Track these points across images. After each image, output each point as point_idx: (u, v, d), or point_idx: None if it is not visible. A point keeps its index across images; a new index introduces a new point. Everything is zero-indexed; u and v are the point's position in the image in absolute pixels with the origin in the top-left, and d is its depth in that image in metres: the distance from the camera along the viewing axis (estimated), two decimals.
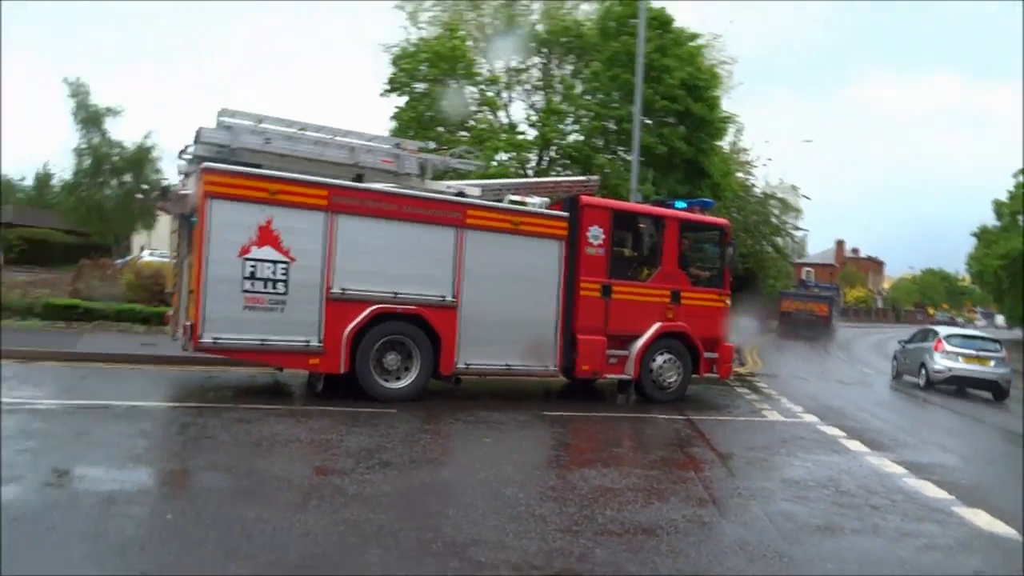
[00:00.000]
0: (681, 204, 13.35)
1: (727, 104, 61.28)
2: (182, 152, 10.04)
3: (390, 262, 9.98)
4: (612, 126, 29.69)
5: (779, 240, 51.73)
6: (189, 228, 9.51)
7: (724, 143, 41.17)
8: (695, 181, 27.95)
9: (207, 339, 8.99)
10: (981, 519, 6.76)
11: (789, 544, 5.59)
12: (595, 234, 11.61)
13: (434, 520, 5.51)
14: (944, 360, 18.83)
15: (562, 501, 6.23)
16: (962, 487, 7.96)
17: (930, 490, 7.68)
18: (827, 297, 45.69)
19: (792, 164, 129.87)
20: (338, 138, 10.40)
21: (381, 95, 28.24)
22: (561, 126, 28.92)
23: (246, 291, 9.13)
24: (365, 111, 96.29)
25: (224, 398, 9.60)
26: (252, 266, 9.17)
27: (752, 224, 43.31)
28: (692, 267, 12.86)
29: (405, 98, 27.62)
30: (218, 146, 9.56)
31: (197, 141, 9.54)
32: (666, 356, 12.25)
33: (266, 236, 9.26)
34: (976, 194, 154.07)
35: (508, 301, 10.80)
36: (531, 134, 27.19)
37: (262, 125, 9.86)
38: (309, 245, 9.49)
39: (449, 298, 10.40)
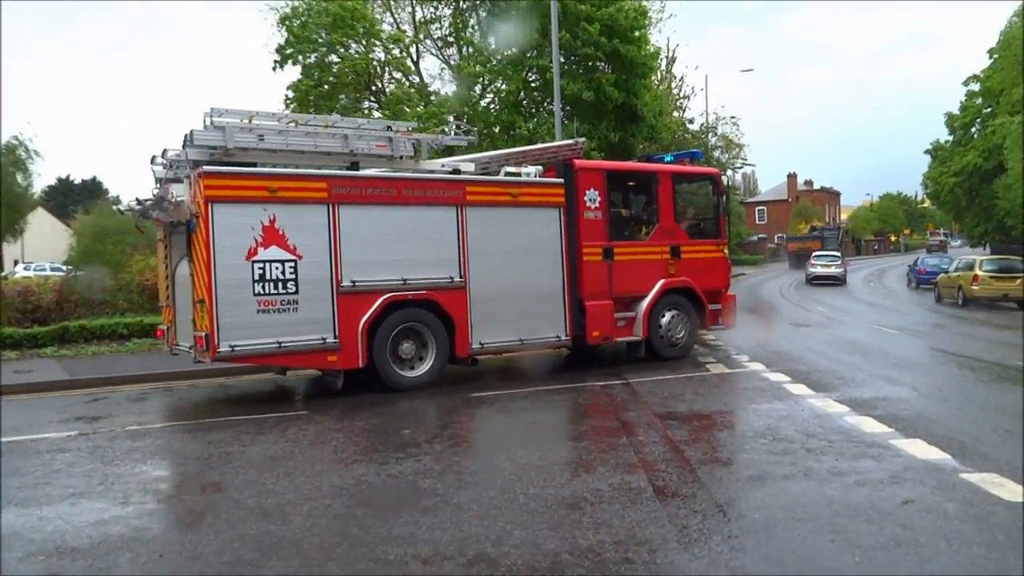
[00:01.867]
0: (669, 157, 14.18)
1: (658, 39, 61.79)
2: (156, 157, 10.50)
3: (395, 248, 10.60)
4: (533, 79, 29.79)
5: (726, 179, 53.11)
6: (187, 236, 9.92)
7: (656, 79, 42.10)
8: (628, 126, 28.33)
9: (224, 348, 9.53)
10: (917, 448, 7.24)
11: (718, 500, 5.91)
12: (591, 197, 12.41)
13: (340, 523, 5.66)
14: None
15: (482, 486, 6.44)
16: (903, 419, 8.47)
17: (870, 425, 8.17)
18: (823, 238, 59.39)
19: (734, 98, 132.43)
20: (329, 128, 10.99)
21: (274, 68, 27.80)
22: (474, 91, 28.96)
23: (257, 294, 9.69)
24: (258, 87, 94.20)
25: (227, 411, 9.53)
26: (261, 268, 9.71)
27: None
28: (688, 220, 13.90)
29: (299, 67, 27.24)
30: (211, 148, 9.99)
31: (190, 144, 9.94)
32: (673, 312, 13.20)
33: (271, 236, 9.81)
34: (931, 111, 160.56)
35: (515, 275, 11.55)
36: (448, 91, 27.23)
37: (254, 122, 10.38)
38: (315, 240, 10.06)
39: (457, 279, 11.08)
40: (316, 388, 11.44)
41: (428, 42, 30.91)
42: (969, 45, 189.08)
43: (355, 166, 10.95)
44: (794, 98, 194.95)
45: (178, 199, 9.79)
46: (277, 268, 9.81)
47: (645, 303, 12.89)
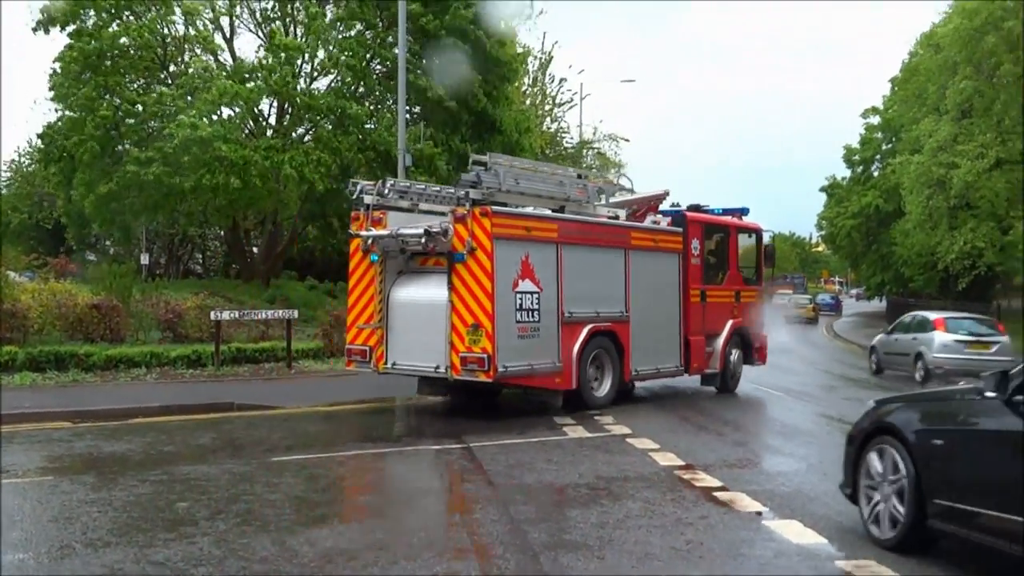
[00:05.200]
0: (719, 210, 18.86)
1: (528, 39, 63.02)
2: (373, 185, 13.94)
3: (591, 284, 14.54)
4: (378, 66, 29.58)
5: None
6: (450, 266, 13.32)
7: (525, 83, 42.86)
8: (485, 138, 28.57)
9: (500, 368, 12.83)
10: (792, 531, 7.55)
11: None
12: (695, 245, 17.15)
13: None
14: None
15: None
16: (779, 496, 8.85)
17: (742, 503, 8.46)
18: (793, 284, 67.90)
19: (617, 110, 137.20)
20: (554, 174, 15.67)
21: (36, 30, 26.50)
22: (303, 67, 28.37)
23: (518, 321, 13.28)
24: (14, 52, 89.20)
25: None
26: (520, 298, 13.34)
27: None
28: (744, 268, 18.84)
29: (69, 31, 26.04)
30: (487, 188, 13.88)
31: (476, 184, 13.83)
32: (737, 349, 17.98)
33: (526, 270, 13.53)
34: (831, 138, 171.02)
35: (653, 311, 15.83)
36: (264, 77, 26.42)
37: (513, 166, 14.71)
38: (549, 275, 13.84)
39: (625, 313, 15.22)
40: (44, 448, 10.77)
41: (246, 15, 30.26)
42: (877, 60, 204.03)
43: (561, 209, 15.02)
44: (684, 111, 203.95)
45: (441, 228, 13.22)
46: (529, 298, 13.44)
47: (721, 339, 17.41)
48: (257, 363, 19.00)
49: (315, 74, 28.97)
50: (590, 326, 14.33)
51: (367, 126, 27.95)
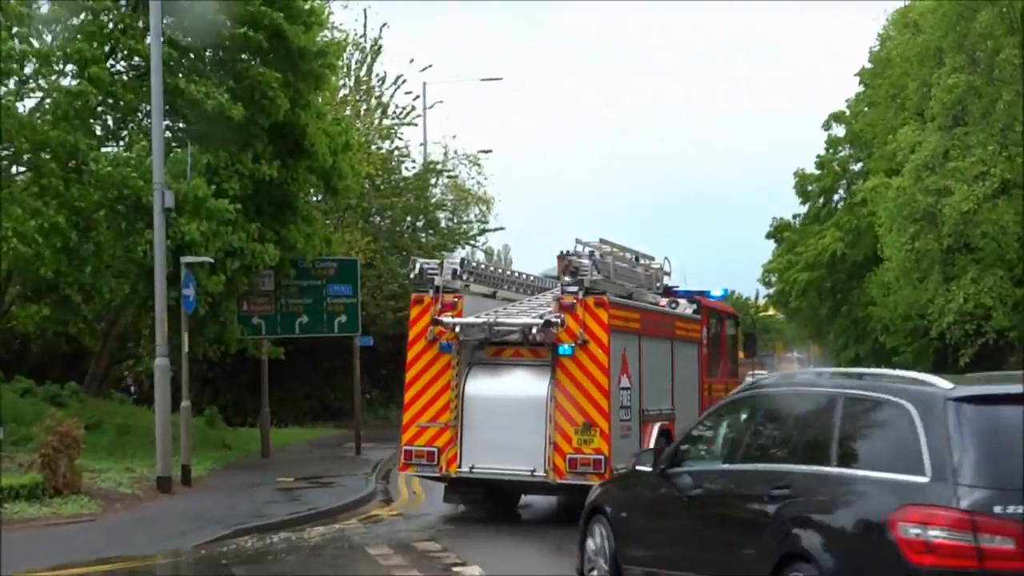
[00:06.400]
0: (683, 291, 23.48)
1: (344, 21, 62.42)
2: (444, 267, 17.71)
3: (656, 378, 18.34)
4: (122, 65, 28.82)
5: (454, 256, 54.18)
6: (554, 359, 16.57)
7: (344, 83, 42.59)
8: (290, 161, 28.26)
9: (614, 470, 15.39)
10: None
11: None
12: (704, 334, 22.07)
13: None
14: None
15: None
16: None
17: None
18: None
19: (479, 123, 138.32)
20: (635, 258, 19.89)
21: None
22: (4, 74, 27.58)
23: (621, 420, 16.76)
24: None
25: None
26: (621, 395, 16.86)
27: (401, 233, 44.82)
28: (730, 357, 24.67)
29: None
30: (598, 279, 17.07)
31: (593, 274, 16.99)
32: None
33: (624, 364, 17.16)
34: (778, 165, 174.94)
35: (685, 404, 19.68)
36: None
37: (610, 251, 18.74)
38: (634, 369, 17.45)
39: (673, 409, 19.14)
40: None
41: None
42: (840, 49, 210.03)
43: (630, 296, 18.58)
44: (572, 124, 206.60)
45: (556, 317, 16.52)
46: (626, 395, 17.04)
47: None
48: None
49: (29, 86, 27.80)
50: (659, 424, 18.20)
51: (108, 168, 26.44)
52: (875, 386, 8.76)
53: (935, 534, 7.28)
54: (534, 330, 16.26)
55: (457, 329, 16.84)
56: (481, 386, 16.93)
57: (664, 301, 20.81)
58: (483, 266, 18.56)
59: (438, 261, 17.83)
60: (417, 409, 17.08)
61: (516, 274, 18.96)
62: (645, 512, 10.80)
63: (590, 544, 11.28)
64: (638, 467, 10.97)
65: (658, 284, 20.70)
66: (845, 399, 8.85)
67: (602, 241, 18.97)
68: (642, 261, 19.93)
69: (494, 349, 17.10)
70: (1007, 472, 7.40)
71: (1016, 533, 7.17)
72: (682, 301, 21.66)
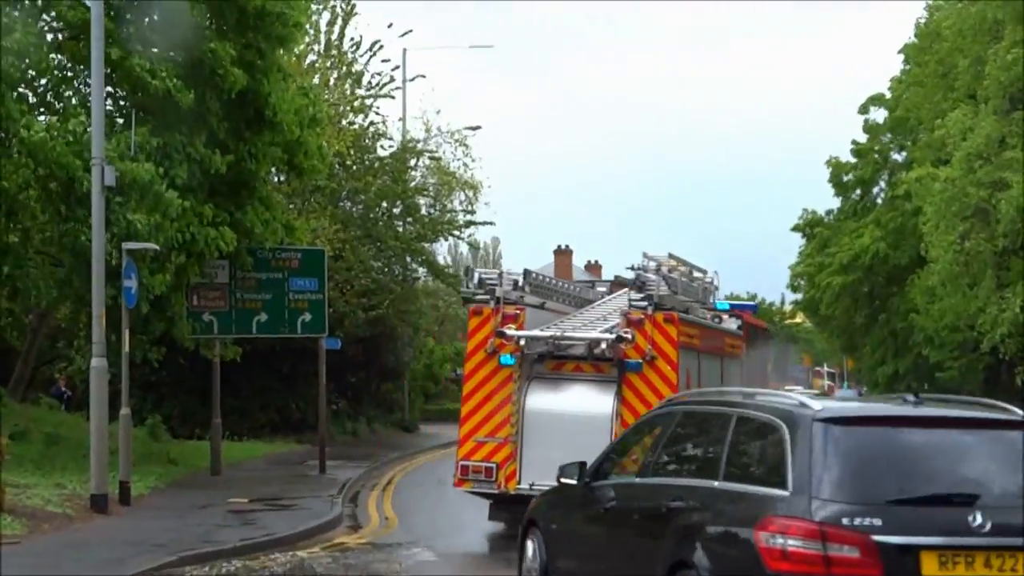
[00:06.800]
0: (726, 305, 25.47)
1: None
2: (505, 278, 19.71)
3: None
4: (57, 27, 28.62)
5: (438, 251, 53.75)
6: (621, 374, 18.38)
7: (313, 48, 42.38)
8: (250, 135, 27.98)
9: None
10: None
11: None
12: (745, 351, 24.89)
13: None
14: None
15: None
16: None
17: None
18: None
19: (466, 100, 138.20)
20: (693, 270, 22.76)
21: None
22: None
23: None
24: None
25: None
26: None
27: (376, 220, 44.40)
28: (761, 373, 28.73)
29: None
30: (666, 294, 19.12)
31: (641, 287, 18.98)
32: None
33: (688, 381, 19.04)
34: (809, 149, 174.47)
35: None
36: None
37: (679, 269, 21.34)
38: (694, 385, 18.94)
39: None
40: None
41: None
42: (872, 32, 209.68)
43: (687, 311, 20.32)
44: (573, 104, 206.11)
45: (625, 333, 18.20)
46: None
47: None
48: None
49: None
50: None
51: (41, 134, 26.26)
52: (762, 406, 10.43)
53: (790, 543, 8.83)
54: (603, 345, 17.99)
55: (522, 342, 18.45)
56: (543, 401, 18.48)
57: (709, 315, 22.86)
58: (542, 277, 20.71)
59: (497, 272, 19.74)
60: (475, 423, 18.62)
61: (564, 285, 21.23)
62: (571, 525, 12.71)
63: (527, 556, 13.30)
64: (562, 479, 12.77)
65: (710, 299, 23.16)
66: (737, 418, 10.52)
67: (670, 256, 21.51)
68: (696, 275, 22.26)
69: (554, 363, 18.77)
70: (859, 488, 9.07)
71: (861, 543, 8.73)
72: (724, 315, 24.00)
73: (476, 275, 19.46)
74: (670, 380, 17.85)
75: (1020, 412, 10.07)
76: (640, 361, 17.90)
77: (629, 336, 17.85)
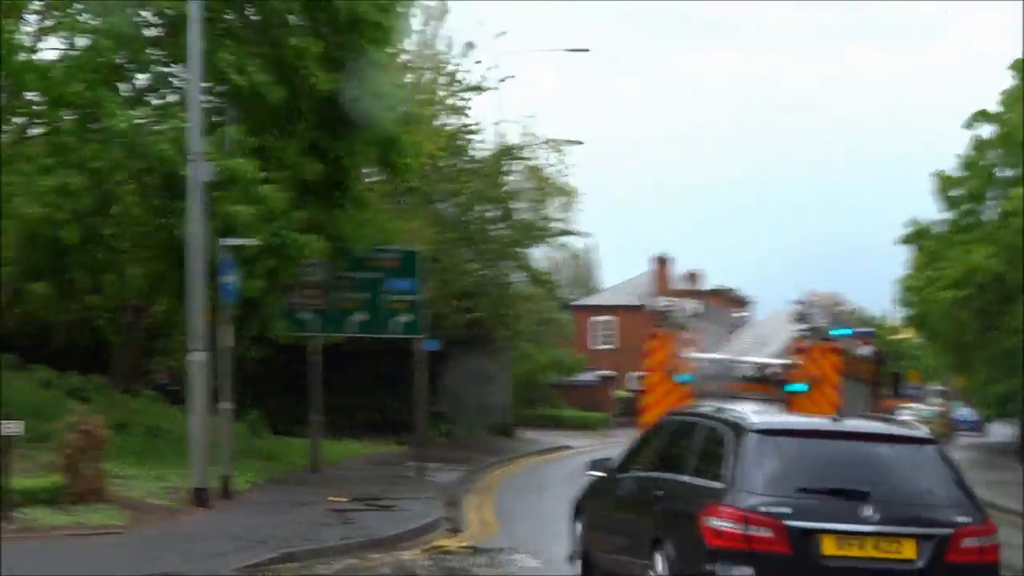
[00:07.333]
0: (849, 332, 26.44)
1: None
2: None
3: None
4: (154, 22, 28.55)
5: (534, 256, 53.38)
6: (786, 396, 21.05)
7: (407, 48, 42.11)
8: (341, 136, 27.79)
9: None
10: None
11: None
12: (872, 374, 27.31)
13: None
14: None
15: None
16: None
17: None
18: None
19: (559, 104, 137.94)
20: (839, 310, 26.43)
21: None
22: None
23: None
24: None
25: None
26: None
27: (469, 223, 43.96)
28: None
29: None
30: (816, 326, 22.93)
31: (824, 322, 22.98)
32: None
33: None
34: (915, 158, 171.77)
35: None
36: None
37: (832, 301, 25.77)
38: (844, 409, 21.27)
39: None
40: None
41: None
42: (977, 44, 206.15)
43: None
44: (672, 105, 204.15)
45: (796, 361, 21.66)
46: None
47: None
48: None
49: (42, 29, 27.78)
50: None
51: (124, 124, 26.13)
52: (721, 419, 13.04)
53: (722, 524, 11.31)
54: (774, 368, 20.69)
55: (699, 363, 21.62)
56: None
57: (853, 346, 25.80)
58: (715, 308, 24.55)
59: (678, 300, 23.43)
60: None
61: (719, 312, 24.62)
62: (600, 509, 15.48)
63: (576, 535, 16.20)
64: (590, 472, 16.32)
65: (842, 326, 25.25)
66: (705, 427, 13.31)
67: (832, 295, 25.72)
68: (838, 307, 25.13)
69: (726, 383, 21.37)
70: (776, 483, 11.58)
71: (774, 526, 11.17)
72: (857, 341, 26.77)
73: (661, 302, 23.28)
74: (834, 403, 20.32)
75: (921, 430, 13.72)
76: (804, 385, 20.97)
77: (800, 362, 21.07)
